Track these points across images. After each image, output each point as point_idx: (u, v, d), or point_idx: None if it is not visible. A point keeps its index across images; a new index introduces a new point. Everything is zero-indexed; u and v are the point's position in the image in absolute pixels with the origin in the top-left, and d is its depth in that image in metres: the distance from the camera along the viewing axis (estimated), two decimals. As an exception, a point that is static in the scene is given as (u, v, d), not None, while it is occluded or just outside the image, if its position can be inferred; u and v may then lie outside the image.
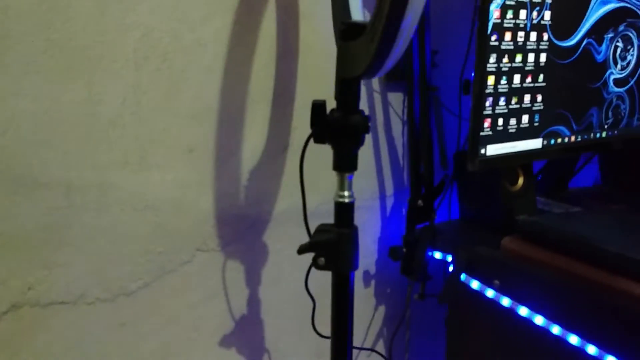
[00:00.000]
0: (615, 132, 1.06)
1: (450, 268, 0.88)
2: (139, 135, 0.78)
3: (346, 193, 0.63)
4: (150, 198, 0.80)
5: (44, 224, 0.72)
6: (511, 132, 0.90)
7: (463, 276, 0.85)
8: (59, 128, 0.72)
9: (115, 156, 0.77)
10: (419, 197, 0.95)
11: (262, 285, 0.93)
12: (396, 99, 1.03)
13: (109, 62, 0.74)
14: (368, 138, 1.00)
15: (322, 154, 0.84)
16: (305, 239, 0.81)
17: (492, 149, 0.88)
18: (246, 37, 0.84)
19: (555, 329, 0.75)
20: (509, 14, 0.85)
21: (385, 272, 1.07)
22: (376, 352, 1.08)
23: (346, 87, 0.59)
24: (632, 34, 1.02)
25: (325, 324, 0.78)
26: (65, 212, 0.74)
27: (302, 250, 0.64)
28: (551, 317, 0.76)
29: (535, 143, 0.94)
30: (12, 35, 0.67)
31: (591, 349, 0.72)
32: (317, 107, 0.60)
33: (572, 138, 0.99)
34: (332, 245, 0.62)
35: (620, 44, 1.01)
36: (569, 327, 0.74)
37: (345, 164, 0.62)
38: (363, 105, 0.99)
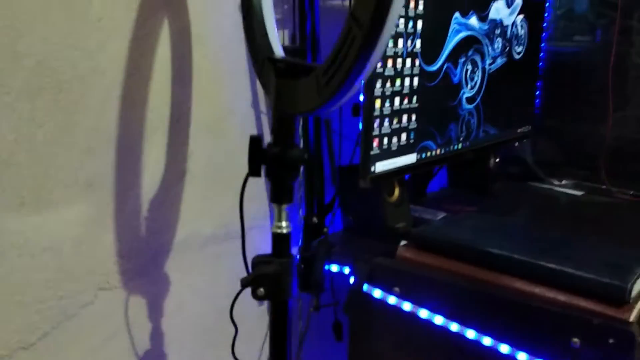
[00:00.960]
0: (467, 143, 1.20)
1: (352, 280, 0.93)
2: (35, 174, 0.72)
3: (284, 224, 0.65)
4: (49, 239, 0.74)
5: None
6: (394, 150, 0.98)
7: (365, 286, 0.91)
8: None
9: (9, 198, 0.70)
10: (313, 214, 0.99)
11: (165, 317, 0.90)
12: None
13: (0, 94, 0.68)
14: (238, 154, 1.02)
15: (217, 181, 0.85)
16: (203, 265, 0.81)
17: (380, 166, 0.96)
18: (142, 62, 0.81)
19: (454, 326, 0.84)
20: (390, 43, 0.93)
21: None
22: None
23: (285, 123, 0.61)
24: (478, 58, 1.17)
25: (225, 349, 0.80)
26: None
27: (246, 283, 0.64)
28: (449, 316, 0.85)
29: (411, 158, 1.04)
30: None
31: (487, 340, 0.82)
32: (255, 142, 0.61)
33: (438, 151, 1.11)
34: (274, 276, 0.64)
35: (469, 67, 1.15)
36: (465, 323, 0.84)
37: (283, 196, 0.64)
38: (247, 123, 1.01)
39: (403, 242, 0.95)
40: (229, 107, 0.96)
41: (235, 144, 0.98)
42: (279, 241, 0.65)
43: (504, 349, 0.80)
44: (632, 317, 0.73)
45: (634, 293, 0.75)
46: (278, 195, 0.64)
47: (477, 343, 0.83)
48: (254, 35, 0.68)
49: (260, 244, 1.04)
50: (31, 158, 0.71)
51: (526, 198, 1.39)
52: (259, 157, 0.62)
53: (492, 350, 0.81)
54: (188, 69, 0.88)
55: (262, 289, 0.65)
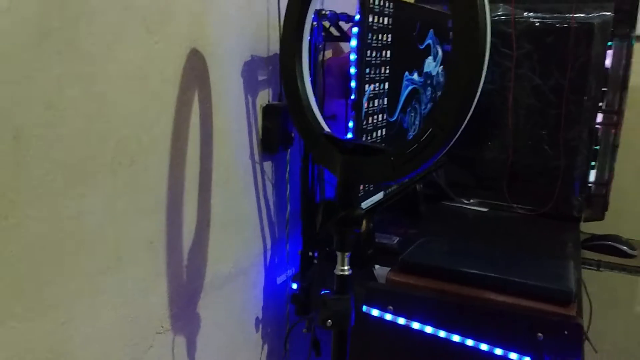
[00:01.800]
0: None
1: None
2: (116, 238, 0.82)
3: (346, 267, 0.82)
4: (126, 294, 0.84)
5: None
6: (370, 190, 1.18)
7: (364, 307, 1.10)
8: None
9: (100, 260, 0.80)
10: (309, 248, 1.15)
11: (198, 351, 1.02)
12: (267, 166, 1.21)
13: (92, 173, 0.77)
14: (251, 198, 1.16)
15: (229, 227, 1.00)
16: (222, 301, 0.97)
17: (363, 205, 1.15)
18: (180, 130, 0.93)
19: (442, 333, 1.06)
20: (371, 103, 1.12)
21: (267, 315, 1.25)
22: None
23: (350, 189, 0.79)
24: (417, 106, 1.40)
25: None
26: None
27: (325, 318, 0.80)
28: (437, 325, 1.06)
29: (380, 195, 1.24)
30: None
31: (469, 342, 1.04)
32: (328, 207, 0.78)
33: (395, 186, 1.32)
34: (344, 311, 0.81)
35: (413, 113, 1.38)
36: (451, 330, 1.05)
37: (346, 246, 0.81)
38: (247, 173, 1.15)
39: (381, 267, 1.15)
40: (235, 161, 1.10)
41: (239, 192, 1.11)
42: (342, 281, 0.82)
43: (484, 347, 1.03)
44: (575, 312, 0.99)
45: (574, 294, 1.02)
46: (341, 245, 0.81)
47: (461, 345, 1.05)
48: (304, 115, 0.84)
49: (259, 277, 1.18)
50: (113, 224, 0.81)
51: (446, 217, 1.66)
52: (329, 216, 0.78)
53: (474, 350, 1.04)
54: (210, 131, 1.01)
55: (330, 321, 0.81)
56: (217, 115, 1.01)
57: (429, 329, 1.06)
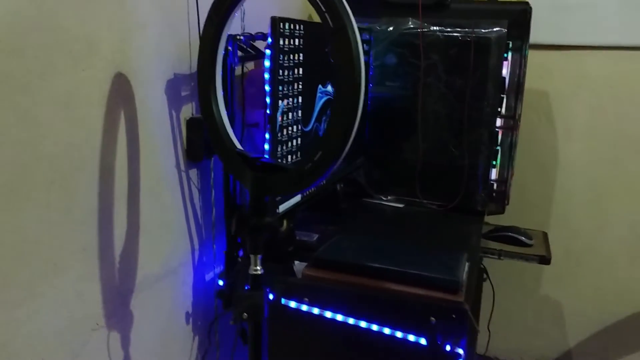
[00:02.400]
0: (329, 179, 1.57)
1: (271, 296, 1.24)
2: (52, 247, 0.92)
3: (258, 268, 0.95)
4: (62, 296, 0.94)
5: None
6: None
7: (283, 300, 1.23)
8: None
9: (43, 264, 0.90)
10: (233, 248, 1.27)
11: (132, 345, 1.13)
12: (192, 174, 1.32)
13: (27, 190, 0.87)
14: (178, 204, 1.27)
15: (157, 231, 1.11)
16: (154, 299, 1.10)
17: (282, 207, 1.28)
18: (108, 147, 1.03)
19: (351, 320, 1.20)
20: (285, 117, 1.25)
21: (198, 310, 1.36)
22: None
23: (260, 201, 0.91)
24: (333, 114, 1.54)
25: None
26: None
27: (241, 311, 0.92)
28: (347, 314, 1.20)
29: (298, 198, 1.37)
30: None
31: (374, 327, 1.19)
32: (240, 215, 0.90)
33: (312, 189, 1.45)
34: (257, 305, 0.93)
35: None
36: (358, 317, 1.20)
37: (258, 249, 0.93)
38: (174, 181, 1.25)
39: (300, 263, 1.28)
40: (162, 170, 1.20)
41: (167, 199, 1.22)
42: (255, 279, 0.95)
43: (387, 331, 1.18)
44: (463, 298, 1.15)
45: (462, 283, 1.18)
46: (254, 249, 0.93)
47: (368, 330, 1.19)
48: (219, 135, 0.96)
49: (188, 276, 1.30)
50: (47, 235, 0.91)
51: (365, 213, 1.81)
52: (242, 224, 0.91)
53: (379, 333, 1.19)
54: (137, 145, 1.11)
55: (245, 314, 0.94)
56: (144, 130, 1.11)
57: (339, 317, 1.20)
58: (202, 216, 1.35)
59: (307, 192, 1.42)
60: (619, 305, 2.25)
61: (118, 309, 1.08)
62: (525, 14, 1.71)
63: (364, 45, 1.75)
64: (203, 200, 1.34)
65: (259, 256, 0.94)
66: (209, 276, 1.38)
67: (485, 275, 1.98)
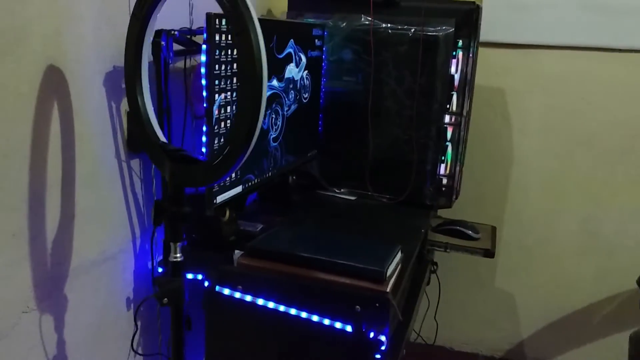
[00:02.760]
0: (275, 171, 1.61)
1: (206, 283, 1.28)
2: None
3: (178, 255, 0.99)
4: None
5: None
6: (227, 185, 1.35)
7: (217, 288, 1.27)
8: None
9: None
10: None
11: (67, 328, 1.17)
12: (134, 164, 1.36)
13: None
14: (118, 192, 1.31)
15: (95, 220, 1.15)
16: (91, 284, 1.14)
17: (219, 198, 1.32)
18: (40, 136, 1.07)
19: (282, 308, 1.25)
20: (222, 110, 1.28)
21: (138, 296, 1.40)
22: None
23: (179, 191, 0.95)
24: (279, 108, 1.58)
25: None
26: None
27: (161, 296, 0.96)
28: (278, 301, 1.25)
29: (238, 189, 1.41)
30: None
31: (304, 314, 1.24)
32: (159, 204, 0.94)
33: (256, 180, 1.50)
34: (176, 290, 0.97)
35: (274, 116, 1.55)
36: (289, 304, 1.24)
37: (177, 237, 0.98)
38: (114, 170, 1.29)
39: (240, 252, 1.32)
40: (100, 160, 1.24)
41: (105, 188, 1.26)
42: (175, 266, 0.99)
43: (315, 318, 1.23)
44: (388, 288, 1.20)
45: (388, 273, 1.22)
46: (174, 237, 0.98)
47: (297, 317, 1.24)
48: (144, 127, 1.00)
49: (129, 263, 1.34)
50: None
51: (317, 205, 1.85)
52: (162, 213, 0.95)
53: (308, 320, 1.23)
54: (72, 135, 1.15)
55: (166, 299, 0.98)
56: (79, 121, 1.15)
57: (271, 305, 1.25)
58: (145, 205, 1.38)
59: (250, 184, 1.46)
60: (569, 298, 2.31)
61: (51, 293, 1.12)
62: (472, 13, 1.75)
63: (317, 40, 1.79)
64: (145, 190, 1.38)
65: (179, 244, 0.98)
66: (151, 264, 1.42)
67: (434, 268, 2.04)
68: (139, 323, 1.19)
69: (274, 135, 1.56)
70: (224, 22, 1.24)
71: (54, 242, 1.12)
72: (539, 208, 2.28)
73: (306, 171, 1.96)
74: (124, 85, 1.24)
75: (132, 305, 1.38)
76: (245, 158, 0.88)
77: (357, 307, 1.19)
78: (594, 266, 2.26)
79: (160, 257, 1.34)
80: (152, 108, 1.02)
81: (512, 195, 2.31)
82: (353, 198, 1.93)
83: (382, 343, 1.19)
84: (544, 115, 2.22)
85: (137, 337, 1.13)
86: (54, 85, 1.08)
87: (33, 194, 1.05)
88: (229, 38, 1.27)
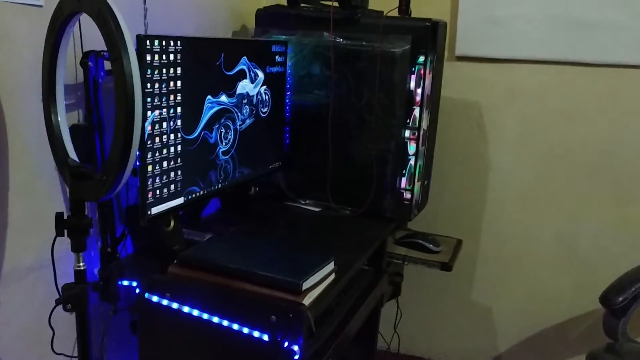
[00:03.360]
0: (226, 183, 1.66)
1: (137, 290, 1.35)
2: None
3: (81, 264, 1.06)
4: None
5: None
6: (165, 197, 1.41)
7: (147, 294, 1.34)
8: None
9: None
10: (107, 245, 1.39)
11: (-3, 330, 1.25)
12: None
13: None
14: (59, 203, 1.39)
15: (29, 229, 1.22)
16: (24, 289, 1.19)
17: (155, 210, 1.38)
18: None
19: (205, 316, 1.30)
20: (157, 126, 1.35)
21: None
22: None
23: (79, 204, 1.02)
24: (230, 123, 1.64)
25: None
26: None
27: (60, 302, 1.03)
28: (202, 309, 1.30)
29: (180, 200, 1.47)
30: None
31: (225, 322, 1.29)
32: (59, 216, 1.01)
33: (202, 192, 1.56)
34: (77, 296, 1.04)
35: (223, 130, 1.61)
36: (212, 312, 1.29)
37: (80, 248, 1.04)
38: (54, 182, 1.36)
39: (174, 262, 1.39)
40: (37, 173, 1.31)
41: (43, 199, 1.34)
42: (79, 274, 1.06)
43: (235, 326, 1.28)
44: (304, 300, 1.24)
45: (306, 286, 1.26)
46: (77, 247, 1.04)
47: (219, 325, 1.29)
48: (56, 143, 1.07)
49: (68, 269, 1.41)
50: None
51: (278, 215, 1.90)
52: (63, 225, 1.02)
53: (229, 329, 1.28)
54: (5, 152, 1.23)
55: (69, 305, 1.05)
56: (14, 138, 1.23)
57: (196, 312, 1.31)
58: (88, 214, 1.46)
59: (195, 195, 1.52)
60: (546, 312, 2.30)
61: (-20, 297, 1.21)
62: (428, 30, 1.78)
63: (278, 57, 1.85)
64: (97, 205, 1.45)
65: (81, 254, 1.05)
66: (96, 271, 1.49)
67: (399, 279, 2.06)
68: (54, 327, 1.25)
69: (224, 149, 1.62)
70: (155, 43, 1.30)
71: (-16, 249, 1.20)
72: (515, 220, 2.28)
73: (274, 182, 2.02)
74: (68, 102, 1.33)
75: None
76: (125, 177, 0.94)
77: (273, 317, 1.24)
78: (571, 280, 2.25)
79: (98, 267, 1.41)
80: (66, 126, 1.09)
81: (488, 207, 2.32)
82: (318, 209, 1.97)
83: (294, 353, 1.23)
84: (520, 128, 2.22)
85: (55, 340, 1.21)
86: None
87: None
88: (165, 57, 1.34)
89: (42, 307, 1.34)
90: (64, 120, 1.09)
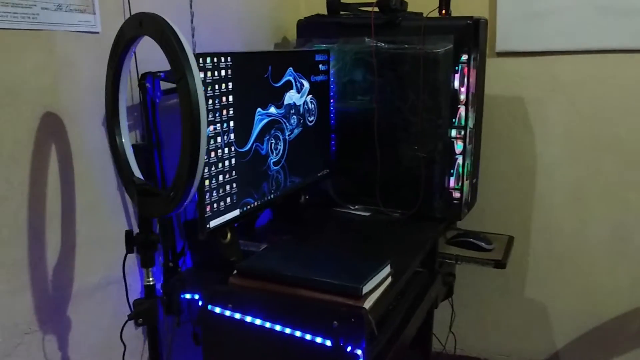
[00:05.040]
0: (278, 193, 1.69)
1: (200, 302, 1.39)
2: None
3: (151, 279, 1.10)
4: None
5: None
6: (222, 210, 1.45)
7: (210, 306, 1.37)
8: None
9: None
10: (169, 260, 1.43)
11: (70, 347, 1.30)
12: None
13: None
14: (121, 221, 1.44)
15: (96, 248, 1.26)
16: (94, 307, 1.23)
17: (213, 223, 1.42)
18: (39, 175, 1.21)
19: (268, 324, 1.33)
20: (212, 141, 1.39)
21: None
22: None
23: (146, 220, 1.06)
24: (279, 133, 1.67)
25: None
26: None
27: (132, 317, 1.07)
28: (264, 318, 1.33)
29: (236, 212, 1.51)
30: None
31: (287, 330, 1.31)
32: (129, 233, 1.05)
33: (256, 203, 1.59)
34: (148, 311, 1.08)
35: (273, 141, 1.64)
36: (274, 321, 1.32)
37: (149, 263, 1.08)
38: (116, 201, 1.41)
39: (234, 273, 1.42)
40: (101, 193, 1.37)
41: (107, 218, 1.39)
42: (149, 289, 1.10)
43: (298, 333, 1.30)
44: (365, 304, 1.25)
45: (365, 290, 1.28)
46: (146, 263, 1.08)
47: (282, 332, 1.32)
48: (121, 163, 1.12)
49: (135, 285, 1.46)
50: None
51: (329, 222, 1.93)
52: (132, 242, 1.06)
53: (291, 336, 1.31)
54: (71, 173, 1.28)
55: (141, 319, 1.08)
56: (78, 159, 1.28)
57: (258, 321, 1.34)
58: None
59: (250, 207, 1.56)
60: (603, 308, 2.26)
61: (53, 315, 1.26)
62: (470, 28, 1.78)
63: (321, 65, 1.87)
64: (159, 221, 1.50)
65: (151, 269, 1.09)
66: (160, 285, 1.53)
67: (451, 279, 2.05)
68: (126, 342, 1.30)
69: (274, 160, 1.65)
70: (208, 60, 1.34)
71: (55, 269, 1.25)
72: (567, 216, 2.25)
73: (322, 189, 2.04)
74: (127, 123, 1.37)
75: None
76: (192, 192, 0.98)
77: (335, 322, 1.26)
78: (628, 274, 2.20)
79: (162, 281, 1.45)
80: (130, 146, 1.13)
81: (537, 203, 2.29)
82: (367, 214, 1.98)
83: (358, 357, 1.25)
84: (566, 122, 2.19)
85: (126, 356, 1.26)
86: (50, 129, 1.21)
87: (32, 228, 1.19)
88: (217, 74, 1.37)
89: (111, 323, 1.39)
90: (128, 140, 1.14)
